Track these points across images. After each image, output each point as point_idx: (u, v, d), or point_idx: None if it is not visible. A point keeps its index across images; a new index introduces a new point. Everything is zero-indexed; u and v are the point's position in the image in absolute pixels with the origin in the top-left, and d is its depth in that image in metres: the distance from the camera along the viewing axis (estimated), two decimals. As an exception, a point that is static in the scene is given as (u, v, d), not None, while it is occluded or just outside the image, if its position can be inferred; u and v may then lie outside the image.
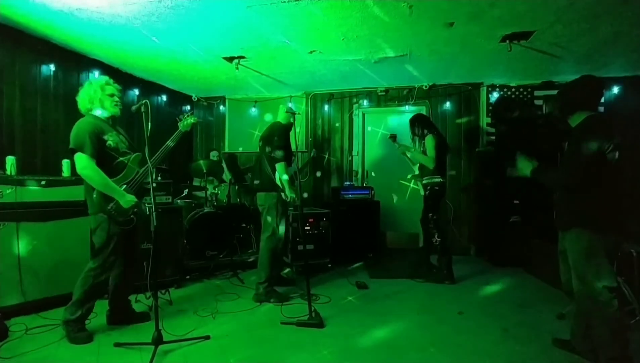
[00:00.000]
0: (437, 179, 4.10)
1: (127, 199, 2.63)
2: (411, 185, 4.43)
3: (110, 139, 2.63)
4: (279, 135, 3.54)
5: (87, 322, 2.73)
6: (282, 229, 3.57)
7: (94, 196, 2.54)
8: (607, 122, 2.26)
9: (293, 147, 3.59)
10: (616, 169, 2.18)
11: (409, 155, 4.40)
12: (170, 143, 2.87)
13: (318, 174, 5.99)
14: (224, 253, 4.65)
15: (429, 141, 4.06)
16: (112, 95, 2.72)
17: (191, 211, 4.63)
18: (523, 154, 2.48)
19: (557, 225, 2.47)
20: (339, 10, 3.13)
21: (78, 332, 2.62)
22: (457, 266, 4.85)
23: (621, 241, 2.24)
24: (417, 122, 4.27)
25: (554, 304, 3.38)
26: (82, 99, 2.69)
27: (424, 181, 4.24)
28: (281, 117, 3.72)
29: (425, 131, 4.15)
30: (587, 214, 2.21)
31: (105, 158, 2.58)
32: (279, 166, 3.45)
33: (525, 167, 2.46)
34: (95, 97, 2.67)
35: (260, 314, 3.22)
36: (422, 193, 4.33)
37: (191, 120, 3.02)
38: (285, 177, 3.44)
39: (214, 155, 5.81)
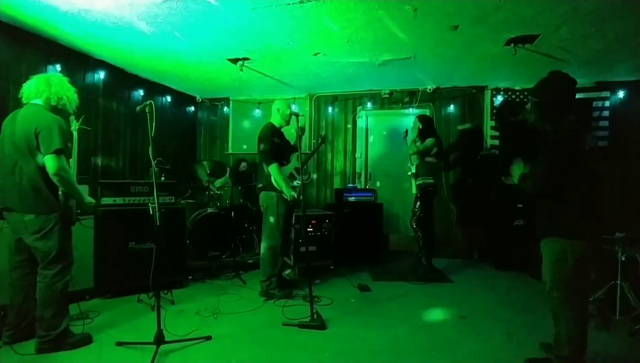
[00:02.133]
0: (430, 181, 4.36)
1: (88, 201, 2.65)
2: (414, 186, 4.57)
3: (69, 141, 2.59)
4: (264, 137, 3.59)
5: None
6: (271, 229, 3.59)
7: (61, 196, 2.46)
8: (580, 126, 2.24)
9: (305, 149, 3.62)
10: (595, 174, 2.19)
11: (415, 149, 4.53)
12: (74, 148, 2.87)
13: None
14: (227, 253, 4.66)
15: (429, 140, 4.37)
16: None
17: (194, 212, 4.64)
18: (520, 161, 2.45)
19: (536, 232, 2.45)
20: (343, 13, 3.14)
21: (72, 337, 2.56)
22: (461, 269, 4.86)
23: (597, 247, 2.23)
24: (424, 124, 4.49)
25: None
26: (53, 93, 2.48)
27: (417, 182, 4.45)
28: (273, 118, 3.73)
29: (427, 134, 4.44)
30: (556, 222, 2.21)
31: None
32: (271, 168, 3.48)
33: (515, 173, 2.43)
34: (70, 100, 2.57)
35: (262, 315, 3.22)
36: (414, 191, 4.52)
37: (77, 125, 3.01)
38: (279, 178, 3.46)
39: (243, 166, 5.71)
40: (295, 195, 3.54)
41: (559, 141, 2.16)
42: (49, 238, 2.43)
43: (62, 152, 2.36)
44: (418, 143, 4.44)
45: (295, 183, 3.67)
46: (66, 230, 2.54)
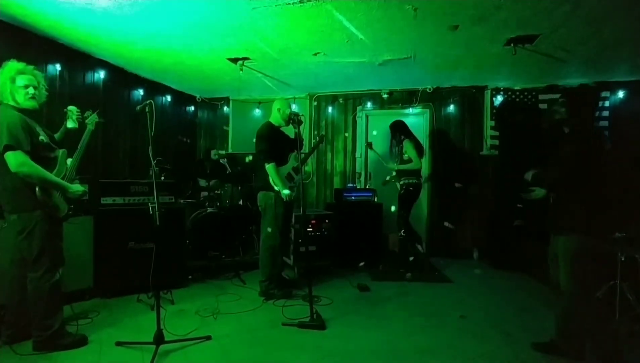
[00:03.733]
0: (413, 181, 4.60)
1: (74, 190, 2.51)
2: (399, 186, 4.79)
3: (42, 134, 2.45)
4: (261, 136, 3.60)
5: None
6: (270, 229, 3.58)
7: (38, 192, 2.35)
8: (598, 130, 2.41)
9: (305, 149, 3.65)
10: (605, 174, 2.34)
11: (396, 167, 4.75)
12: (82, 145, 2.72)
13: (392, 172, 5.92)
14: (226, 253, 4.65)
15: (407, 144, 4.60)
16: (26, 86, 2.38)
17: (194, 212, 4.64)
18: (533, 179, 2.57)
19: (550, 229, 2.55)
20: (343, 13, 3.13)
21: (66, 338, 2.54)
22: (460, 269, 4.86)
23: (606, 243, 2.35)
24: (397, 130, 4.77)
25: (557, 308, 3.36)
26: None
27: (401, 182, 4.67)
28: (273, 117, 3.73)
29: (402, 137, 4.68)
30: (578, 219, 2.29)
31: (38, 154, 2.38)
32: (268, 168, 3.49)
33: (539, 193, 2.54)
34: (5, 90, 2.35)
35: (261, 315, 3.22)
36: (400, 191, 4.75)
37: (95, 118, 2.86)
38: (275, 177, 3.47)
39: (215, 154, 5.79)
40: (292, 195, 3.54)
41: (595, 141, 2.32)
42: (31, 238, 2.38)
43: (12, 148, 2.24)
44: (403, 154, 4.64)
45: (292, 184, 3.67)
46: (52, 228, 2.47)
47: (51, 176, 2.41)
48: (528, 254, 4.64)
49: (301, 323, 2.95)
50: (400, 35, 3.62)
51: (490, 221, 5.21)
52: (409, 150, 4.59)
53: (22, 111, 2.40)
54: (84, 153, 2.73)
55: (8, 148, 2.25)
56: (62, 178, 2.53)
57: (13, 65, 2.39)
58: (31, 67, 2.48)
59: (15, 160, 2.26)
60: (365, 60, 4.34)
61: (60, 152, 2.60)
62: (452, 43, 3.79)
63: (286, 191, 3.47)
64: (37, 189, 2.35)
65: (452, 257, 5.41)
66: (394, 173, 4.80)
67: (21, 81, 2.38)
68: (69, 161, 2.64)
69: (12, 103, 2.38)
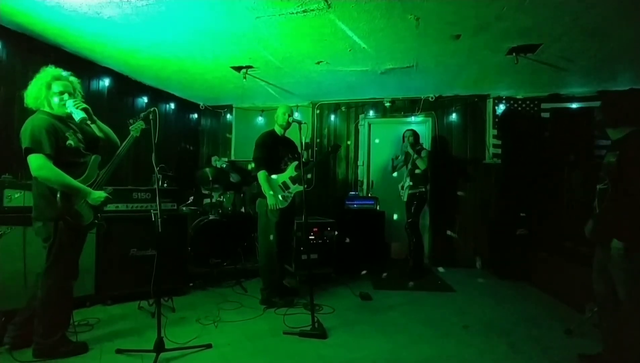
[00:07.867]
0: (422, 189, 4.75)
1: (96, 197, 2.44)
2: (405, 195, 4.84)
3: (71, 138, 2.41)
4: (257, 144, 3.64)
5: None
6: (271, 237, 3.58)
7: (58, 199, 2.29)
8: None
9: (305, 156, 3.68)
10: None
11: (418, 163, 4.77)
12: (122, 150, 2.71)
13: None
14: (228, 261, 4.64)
15: (425, 154, 4.77)
16: (61, 92, 2.39)
17: (196, 219, 4.64)
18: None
19: (600, 239, 2.38)
20: (346, 22, 3.17)
21: (67, 345, 2.51)
22: (463, 278, 4.83)
23: None
24: (417, 139, 4.91)
25: (561, 319, 3.33)
26: (29, 95, 2.40)
27: (412, 191, 4.77)
28: (275, 125, 3.76)
29: (419, 147, 4.82)
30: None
31: (65, 159, 2.35)
32: (259, 175, 3.51)
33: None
34: (40, 96, 2.38)
35: (262, 323, 3.20)
36: (404, 199, 4.87)
37: (141, 125, 2.82)
38: (265, 186, 3.47)
39: (215, 161, 5.81)
40: (279, 204, 3.50)
41: None
42: (51, 246, 2.36)
43: (32, 151, 2.24)
44: (423, 160, 4.72)
45: (286, 193, 3.65)
46: (72, 238, 2.42)
47: (71, 180, 2.33)
48: (532, 264, 4.60)
49: (302, 332, 2.93)
50: (402, 45, 3.65)
51: (493, 230, 5.19)
52: (425, 161, 4.71)
53: (56, 116, 2.40)
54: (120, 161, 2.69)
55: (28, 151, 2.25)
56: (91, 185, 2.48)
57: (49, 71, 2.42)
58: (67, 73, 2.50)
59: (34, 163, 2.25)
60: (367, 68, 4.37)
61: (92, 158, 2.55)
62: (454, 52, 3.81)
63: (271, 201, 3.45)
64: (57, 194, 2.31)
65: (455, 266, 5.38)
66: (409, 182, 4.80)
67: (57, 87, 2.40)
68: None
69: (47, 109, 2.40)
